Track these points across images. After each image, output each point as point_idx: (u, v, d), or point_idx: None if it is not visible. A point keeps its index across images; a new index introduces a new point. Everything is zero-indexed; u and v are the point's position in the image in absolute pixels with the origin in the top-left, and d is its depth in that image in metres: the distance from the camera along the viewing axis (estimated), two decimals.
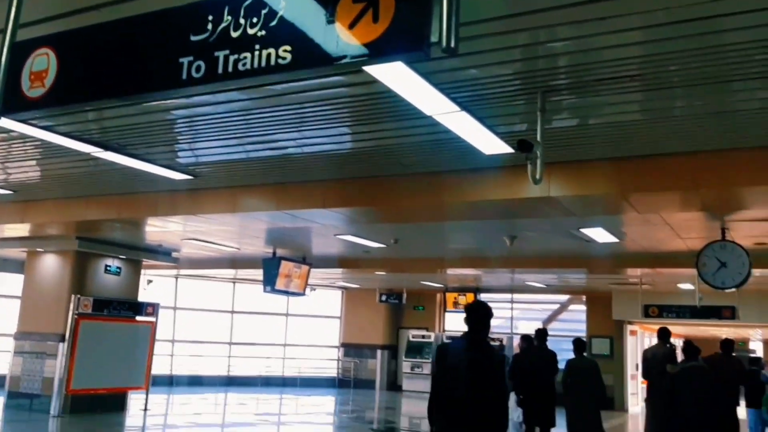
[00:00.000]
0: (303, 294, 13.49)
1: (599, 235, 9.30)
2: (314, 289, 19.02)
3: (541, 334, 9.48)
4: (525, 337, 10.20)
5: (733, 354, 9.80)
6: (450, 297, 20.32)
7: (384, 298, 20.20)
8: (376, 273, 15.58)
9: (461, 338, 4.44)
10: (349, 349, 21.41)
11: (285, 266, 12.76)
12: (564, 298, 20.61)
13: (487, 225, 9.48)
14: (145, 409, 12.74)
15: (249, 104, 5.05)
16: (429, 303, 21.41)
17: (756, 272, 11.93)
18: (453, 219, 8.18)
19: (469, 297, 19.83)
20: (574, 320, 19.95)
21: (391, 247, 11.70)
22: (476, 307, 4.47)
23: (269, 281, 12.73)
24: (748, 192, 6.15)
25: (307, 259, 13.34)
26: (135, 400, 13.20)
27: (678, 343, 11.72)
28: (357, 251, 12.44)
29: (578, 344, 9.12)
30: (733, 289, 8.42)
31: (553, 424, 9.12)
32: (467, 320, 4.40)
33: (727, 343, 9.77)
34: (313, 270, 14.74)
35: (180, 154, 6.63)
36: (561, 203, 6.69)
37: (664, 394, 8.19)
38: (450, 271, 15.23)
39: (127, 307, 12.80)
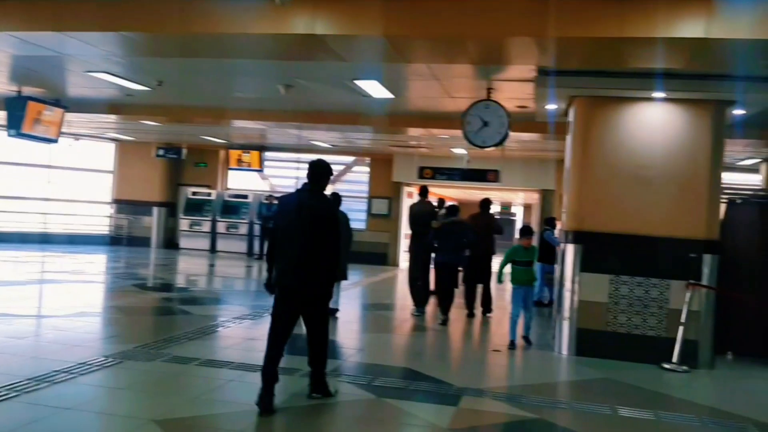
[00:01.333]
0: (55, 141, 12.00)
1: (374, 89, 9.10)
2: (78, 139, 17.24)
3: (337, 199, 9.32)
4: None
5: (490, 212, 10.95)
6: (234, 154, 19.63)
7: (161, 152, 18.95)
8: (144, 122, 14.33)
9: (301, 190, 5.15)
10: (123, 205, 20.11)
11: (33, 108, 11.16)
12: (349, 159, 20.83)
13: (259, 70, 8.84)
14: None
15: None
16: (211, 160, 20.53)
17: (524, 137, 12.81)
18: (208, 55, 7.35)
19: (254, 154, 19.31)
20: (358, 181, 20.37)
21: (157, 92, 10.62)
22: (317, 164, 5.19)
23: (14, 124, 11.11)
24: (512, 43, 6.15)
25: (61, 102, 11.77)
26: None
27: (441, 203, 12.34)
28: (119, 94, 11.16)
29: (335, 197, 9.33)
30: (492, 148, 8.75)
31: (345, 278, 9.28)
32: (309, 175, 5.13)
33: (484, 202, 10.91)
34: (78, 117, 13.17)
35: None
36: (328, 44, 6.24)
37: (429, 245, 9.92)
38: (236, 124, 14.43)
39: None
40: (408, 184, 19.30)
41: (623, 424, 5.21)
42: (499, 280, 8.62)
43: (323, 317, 5.25)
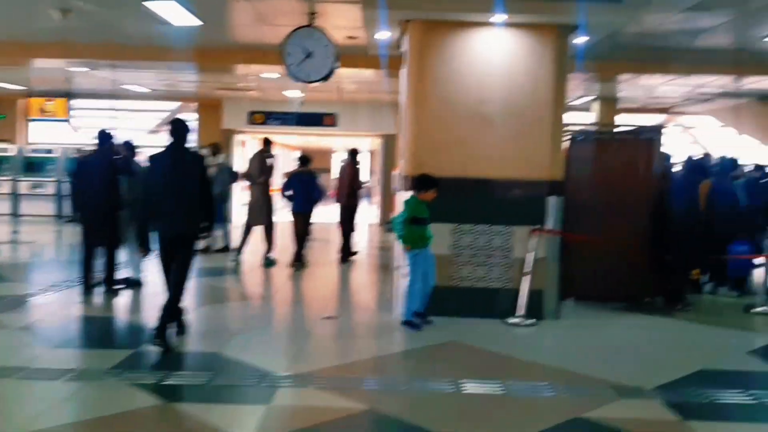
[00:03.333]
0: None
1: (173, 12, 7.52)
2: None
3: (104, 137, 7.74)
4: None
5: (357, 162, 11.09)
6: (35, 103, 17.04)
7: None
8: None
9: (168, 148, 5.64)
10: None
11: None
12: (174, 105, 18.82)
13: None
14: None
15: None
16: (8, 110, 17.64)
17: (363, 77, 11.75)
18: None
19: (59, 103, 16.84)
20: None
21: None
22: (178, 122, 5.70)
23: None
24: None
25: None
26: None
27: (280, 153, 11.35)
28: None
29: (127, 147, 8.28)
30: (318, 83, 7.61)
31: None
32: (173, 133, 5.60)
33: (352, 152, 11.19)
34: None
35: None
36: None
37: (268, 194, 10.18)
38: (35, 65, 12.08)
39: None
40: (242, 132, 17.72)
41: (468, 405, 4.39)
42: (406, 240, 6.34)
43: (188, 258, 5.64)
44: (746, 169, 9.66)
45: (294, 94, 14.31)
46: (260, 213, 10.02)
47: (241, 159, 18.35)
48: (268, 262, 9.90)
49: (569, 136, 7.79)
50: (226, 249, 10.93)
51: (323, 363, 5.25)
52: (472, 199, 6.83)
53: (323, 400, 4.35)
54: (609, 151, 7.83)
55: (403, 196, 6.90)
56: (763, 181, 9.24)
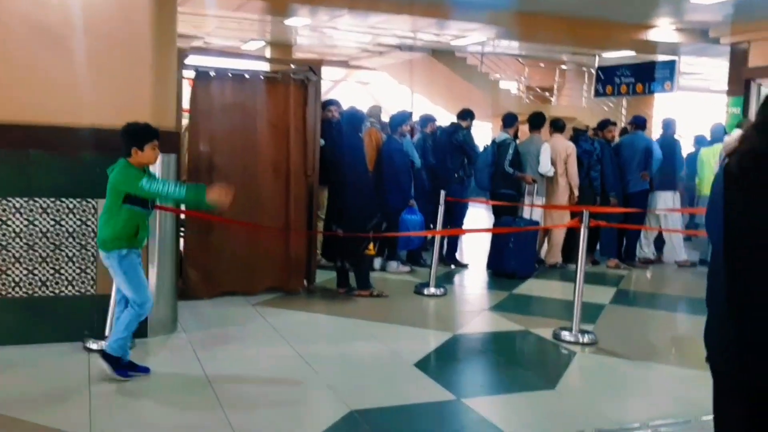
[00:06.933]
0: None
1: None
2: None
3: None
4: None
5: None
6: None
7: None
8: None
9: None
10: None
11: None
12: None
13: None
14: None
15: None
16: None
17: None
18: None
19: None
20: None
21: None
22: None
23: None
24: None
25: None
26: None
27: None
28: None
29: None
30: None
31: None
32: None
33: None
34: None
35: None
36: None
37: None
38: None
39: None
40: None
41: None
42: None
43: None
44: (421, 126, 8.47)
45: None
46: None
47: None
48: None
49: (195, 72, 5.68)
50: None
51: None
52: (25, 158, 4.31)
53: None
54: (250, 95, 5.88)
55: None
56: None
